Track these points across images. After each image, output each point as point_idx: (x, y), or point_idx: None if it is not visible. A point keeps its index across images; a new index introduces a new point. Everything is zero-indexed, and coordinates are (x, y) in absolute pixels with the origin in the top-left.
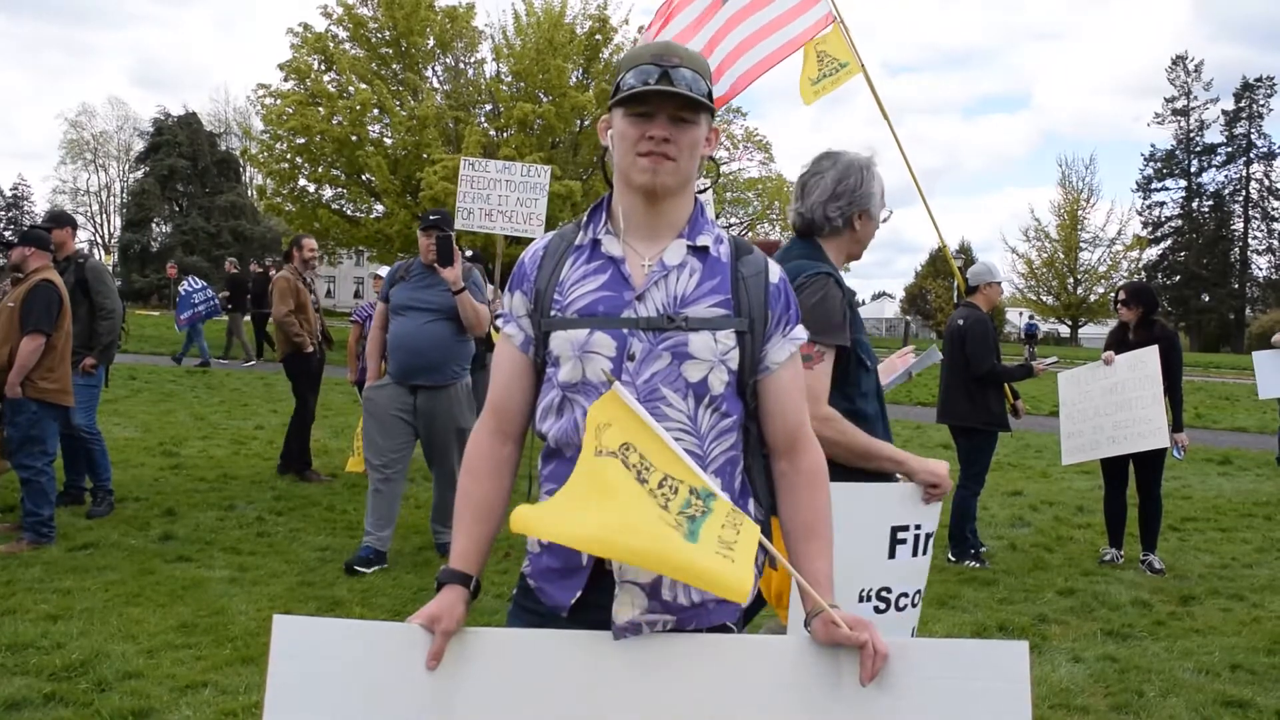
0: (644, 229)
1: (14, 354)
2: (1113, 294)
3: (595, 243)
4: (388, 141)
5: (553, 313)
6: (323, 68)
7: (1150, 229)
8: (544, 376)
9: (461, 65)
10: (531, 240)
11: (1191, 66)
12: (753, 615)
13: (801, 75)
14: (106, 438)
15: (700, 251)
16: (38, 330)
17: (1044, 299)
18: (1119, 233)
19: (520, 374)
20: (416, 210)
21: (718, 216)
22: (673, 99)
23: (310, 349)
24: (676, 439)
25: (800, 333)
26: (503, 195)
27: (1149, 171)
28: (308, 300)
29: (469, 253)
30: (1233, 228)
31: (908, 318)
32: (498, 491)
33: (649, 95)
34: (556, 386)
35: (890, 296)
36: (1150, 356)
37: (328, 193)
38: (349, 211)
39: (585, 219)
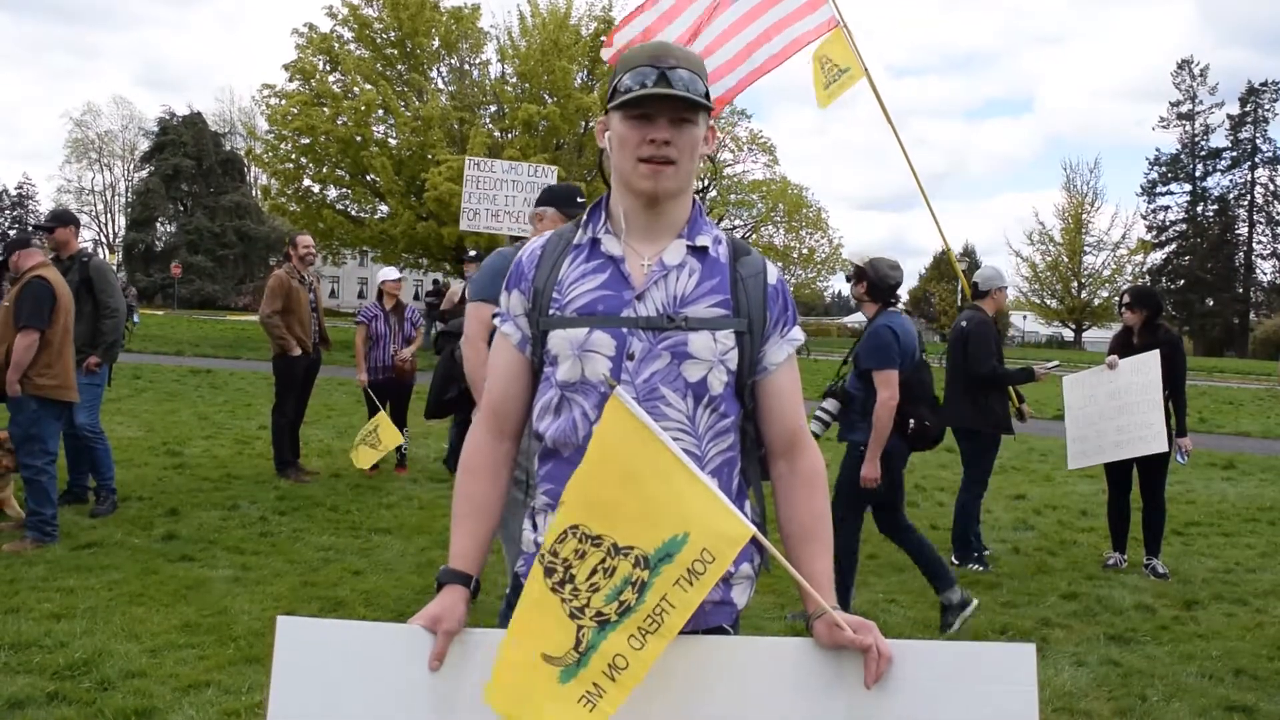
0: (644, 230)
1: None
2: (1117, 298)
3: (594, 242)
4: (392, 142)
5: (551, 311)
6: (328, 68)
7: (1155, 233)
8: (541, 376)
9: (466, 66)
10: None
11: (1197, 71)
12: None
13: (815, 82)
14: (110, 437)
15: (700, 252)
16: (30, 326)
17: (1048, 302)
18: (1123, 237)
19: (518, 373)
20: (421, 211)
21: (720, 220)
22: (672, 101)
23: (296, 352)
24: (675, 439)
25: (798, 334)
26: (510, 196)
27: (1153, 176)
28: (303, 300)
29: (472, 253)
30: (1237, 232)
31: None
32: (495, 490)
33: (648, 98)
34: (555, 386)
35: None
36: (1151, 361)
37: (332, 193)
38: (353, 212)
39: (584, 218)
